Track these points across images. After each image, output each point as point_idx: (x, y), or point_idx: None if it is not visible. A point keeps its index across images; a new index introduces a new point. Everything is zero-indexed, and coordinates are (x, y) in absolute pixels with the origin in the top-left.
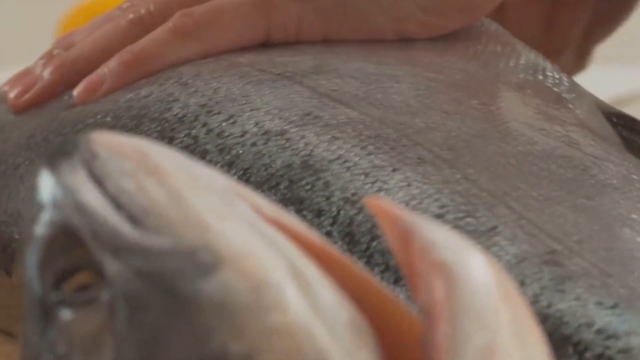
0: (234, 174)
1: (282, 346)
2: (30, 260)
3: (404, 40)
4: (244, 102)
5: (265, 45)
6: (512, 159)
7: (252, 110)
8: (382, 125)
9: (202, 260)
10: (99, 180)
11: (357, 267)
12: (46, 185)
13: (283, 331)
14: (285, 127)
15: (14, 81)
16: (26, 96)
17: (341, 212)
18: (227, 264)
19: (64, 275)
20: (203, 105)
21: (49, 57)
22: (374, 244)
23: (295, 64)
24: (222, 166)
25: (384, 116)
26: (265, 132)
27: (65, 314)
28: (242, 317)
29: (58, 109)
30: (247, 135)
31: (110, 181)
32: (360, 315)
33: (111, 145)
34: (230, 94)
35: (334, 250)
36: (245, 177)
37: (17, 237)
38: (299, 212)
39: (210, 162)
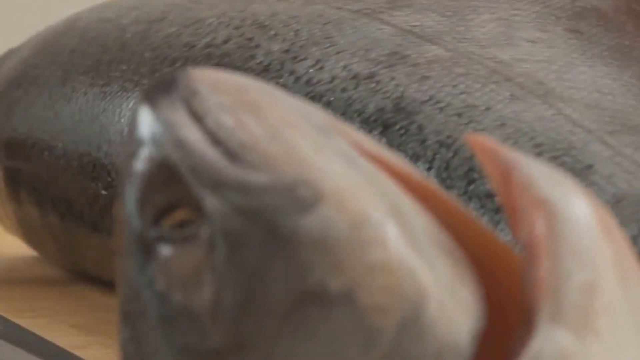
0: None
1: (381, 282)
2: (129, 197)
3: None
4: (328, 44)
5: None
6: (605, 88)
7: (337, 53)
8: (471, 62)
9: (301, 196)
10: (198, 117)
11: (457, 203)
12: (145, 121)
13: (383, 267)
14: (374, 69)
15: None
16: None
17: (437, 156)
18: (326, 199)
19: (163, 212)
20: (287, 51)
21: None
22: (471, 187)
23: None
24: None
25: (471, 51)
26: (355, 76)
27: (165, 250)
28: (342, 253)
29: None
30: (337, 81)
31: (209, 117)
32: (461, 251)
33: (210, 81)
34: (312, 36)
35: (434, 186)
36: None
37: (104, 192)
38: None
39: None
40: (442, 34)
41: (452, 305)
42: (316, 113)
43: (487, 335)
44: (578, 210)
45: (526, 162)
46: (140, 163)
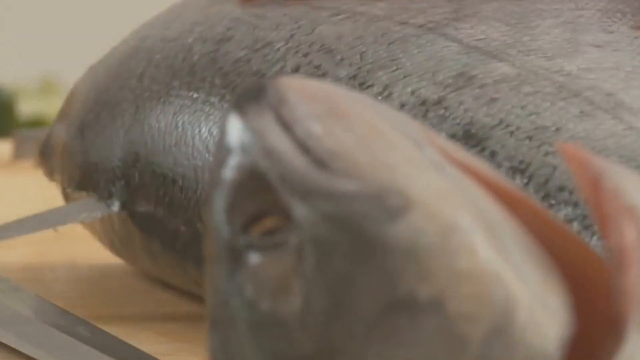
0: None
1: (470, 290)
2: (219, 205)
3: None
4: (395, 67)
5: None
6: None
7: (405, 77)
8: (538, 78)
9: (390, 203)
10: (286, 125)
11: (545, 211)
12: (235, 129)
13: (471, 275)
14: (442, 94)
15: None
16: None
17: (513, 181)
18: (415, 207)
19: (252, 219)
20: (354, 77)
21: None
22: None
23: (433, 10)
24: None
25: (538, 65)
26: (423, 102)
27: (254, 258)
28: (430, 260)
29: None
30: (406, 108)
31: (298, 125)
32: (549, 259)
33: (299, 89)
34: (378, 59)
35: (523, 193)
36: None
37: (182, 228)
38: None
39: None
40: (508, 47)
41: (541, 313)
42: (405, 120)
43: (575, 342)
44: None
45: (616, 170)
46: (230, 171)
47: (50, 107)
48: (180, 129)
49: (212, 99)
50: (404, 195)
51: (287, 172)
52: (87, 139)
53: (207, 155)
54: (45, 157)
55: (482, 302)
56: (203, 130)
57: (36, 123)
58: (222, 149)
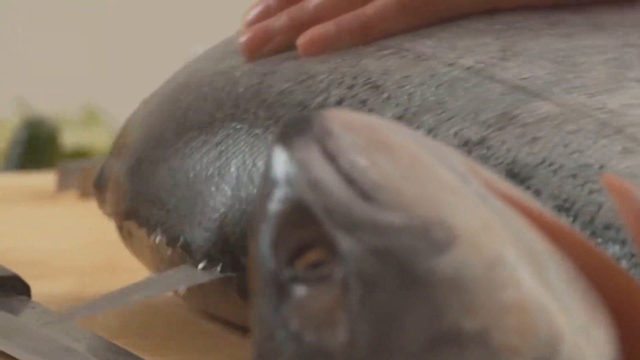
0: None
1: (515, 323)
2: (264, 237)
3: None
4: (441, 110)
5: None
6: None
7: (449, 119)
8: (581, 116)
9: (436, 237)
10: (331, 157)
11: (591, 244)
12: (280, 161)
13: (516, 308)
14: (484, 134)
15: (251, 30)
16: (261, 50)
17: None
18: (460, 240)
19: (297, 252)
20: (400, 117)
21: (287, 9)
22: None
23: (480, 48)
24: None
25: (581, 103)
26: (466, 143)
27: (299, 291)
28: (476, 293)
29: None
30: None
31: (343, 157)
32: (595, 292)
33: (344, 122)
34: (425, 101)
35: (567, 226)
36: None
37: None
38: None
39: None
40: (552, 85)
41: (586, 346)
42: (450, 153)
43: None
44: None
45: None
46: (275, 203)
47: (93, 137)
48: (223, 159)
49: (256, 131)
50: (449, 228)
51: (332, 204)
52: (140, 173)
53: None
54: (99, 190)
55: (527, 335)
56: (247, 160)
57: (79, 154)
58: (267, 181)
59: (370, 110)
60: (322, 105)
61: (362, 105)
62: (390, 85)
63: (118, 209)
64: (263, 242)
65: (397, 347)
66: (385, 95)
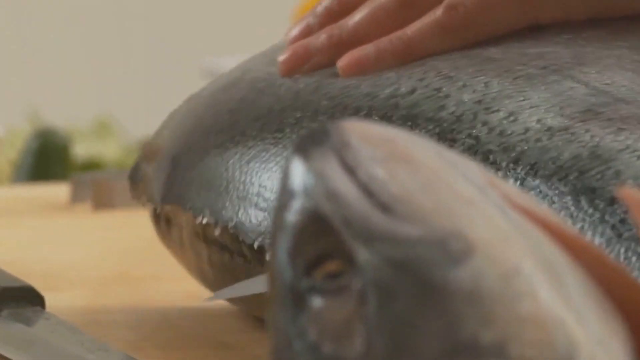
0: (521, 170)
1: (532, 335)
2: (282, 247)
3: None
4: (522, 98)
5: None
6: None
7: (531, 107)
8: None
9: (453, 248)
10: (350, 168)
11: (608, 256)
12: (298, 172)
13: (534, 320)
14: (569, 123)
15: (291, 49)
16: (299, 68)
17: None
18: (477, 251)
19: (314, 263)
20: (479, 102)
21: (326, 28)
22: None
23: (552, 54)
24: (507, 164)
25: None
26: (549, 129)
27: (316, 301)
28: (493, 305)
29: (316, 96)
30: (531, 132)
31: (362, 169)
32: (611, 304)
33: (362, 133)
34: (504, 89)
35: (585, 239)
36: (533, 171)
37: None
38: (591, 201)
39: (494, 161)
40: (635, 93)
41: (603, 357)
42: (467, 164)
43: None
44: None
45: None
46: (293, 214)
47: (105, 148)
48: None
49: (320, 118)
50: (466, 239)
51: (351, 215)
52: (187, 159)
53: None
54: (134, 181)
55: (545, 347)
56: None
57: (91, 165)
58: (285, 192)
59: (447, 96)
60: (394, 96)
61: (436, 92)
62: (465, 76)
63: (159, 195)
64: (281, 252)
65: (415, 358)
66: (460, 83)
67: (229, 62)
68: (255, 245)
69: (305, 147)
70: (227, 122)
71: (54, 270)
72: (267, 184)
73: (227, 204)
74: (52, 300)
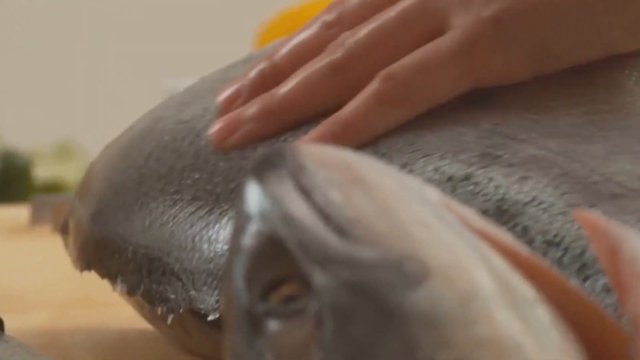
0: None
1: (489, 358)
2: (237, 271)
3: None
4: (411, 150)
5: None
6: None
7: (425, 156)
8: (567, 160)
9: (409, 271)
10: (306, 192)
11: (563, 278)
12: (253, 196)
13: (490, 343)
14: (469, 170)
15: (221, 120)
16: (230, 139)
17: (547, 255)
18: (434, 274)
19: (271, 286)
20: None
21: (258, 98)
22: (587, 283)
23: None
24: None
25: (565, 149)
26: (450, 178)
27: (273, 325)
28: (450, 328)
29: None
30: (432, 184)
31: (318, 192)
32: (568, 326)
33: (318, 156)
34: (395, 144)
35: (541, 261)
36: None
37: (172, 296)
38: None
39: None
40: (529, 131)
41: None
42: (423, 188)
43: None
44: None
45: (633, 238)
46: (248, 238)
47: (66, 171)
48: (177, 206)
49: (215, 179)
50: (422, 262)
51: (306, 239)
52: (100, 221)
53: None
54: (65, 233)
55: None
56: (203, 209)
57: (53, 187)
58: (241, 215)
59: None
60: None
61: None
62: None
63: (81, 256)
64: (237, 276)
65: None
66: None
67: (189, 83)
68: (164, 310)
69: (261, 171)
70: (134, 182)
71: (13, 292)
72: (164, 249)
73: (135, 272)
74: (12, 323)
